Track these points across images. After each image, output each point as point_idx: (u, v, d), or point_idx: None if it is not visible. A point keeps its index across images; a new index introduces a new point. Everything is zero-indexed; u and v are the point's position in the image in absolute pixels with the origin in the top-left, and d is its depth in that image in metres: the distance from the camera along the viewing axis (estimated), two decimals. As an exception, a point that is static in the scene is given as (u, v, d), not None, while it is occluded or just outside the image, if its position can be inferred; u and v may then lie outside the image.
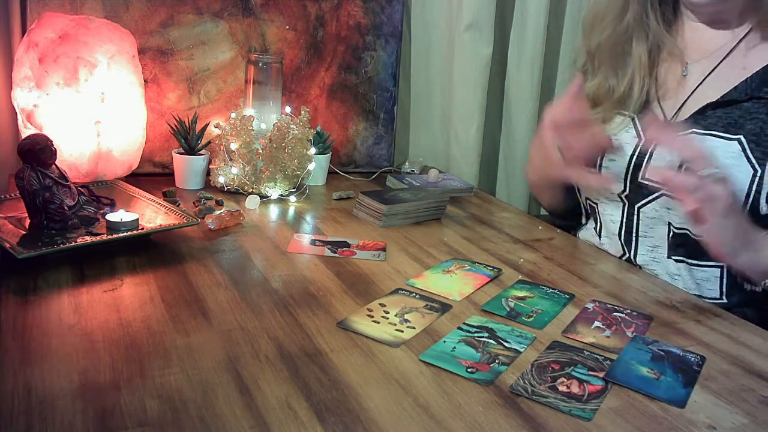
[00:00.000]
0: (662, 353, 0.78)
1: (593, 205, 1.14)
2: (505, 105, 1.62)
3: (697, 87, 1.04)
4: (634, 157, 1.05)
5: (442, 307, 0.86)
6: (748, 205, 0.94)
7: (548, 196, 1.25)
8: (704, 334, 0.84)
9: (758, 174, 0.94)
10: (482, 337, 0.79)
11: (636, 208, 1.05)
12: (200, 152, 1.31)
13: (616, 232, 1.09)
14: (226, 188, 1.28)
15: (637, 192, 1.04)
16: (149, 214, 1.03)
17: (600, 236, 1.14)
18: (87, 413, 0.59)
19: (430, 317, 0.83)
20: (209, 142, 1.32)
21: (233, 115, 1.27)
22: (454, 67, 1.55)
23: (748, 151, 0.94)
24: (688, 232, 0.99)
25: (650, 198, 1.02)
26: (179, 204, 1.11)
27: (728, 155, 0.95)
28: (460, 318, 0.83)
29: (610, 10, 1.09)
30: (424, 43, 1.60)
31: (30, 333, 0.72)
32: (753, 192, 0.94)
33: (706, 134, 0.98)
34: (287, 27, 1.42)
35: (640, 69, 1.08)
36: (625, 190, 1.05)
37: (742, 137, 0.95)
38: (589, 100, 1.14)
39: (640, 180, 1.03)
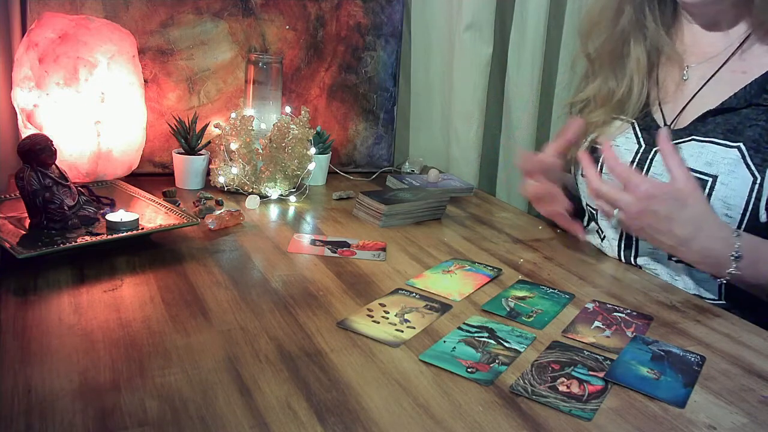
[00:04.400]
0: (662, 353, 0.78)
1: (593, 211, 1.14)
2: (505, 105, 1.62)
3: (697, 92, 1.04)
4: (634, 164, 1.04)
5: (442, 307, 0.86)
6: (748, 213, 0.94)
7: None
8: (704, 334, 0.84)
9: (758, 181, 0.94)
10: (482, 337, 0.79)
11: None
12: (200, 152, 1.31)
13: (616, 238, 1.09)
14: (226, 188, 1.28)
15: None
16: (149, 214, 1.03)
17: (601, 239, 1.14)
18: (87, 413, 0.59)
19: (430, 317, 0.83)
20: (209, 142, 1.32)
21: (233, 115, 1.27)
22: (454, 67, 1.55)
23: (748, 158, 0.94)
24: None
25: None
26: (179, 204, 1.11)
27: (727, 162, 0.95)
28: (460, 318, 0.83)
29: (605, 15, 1.10)
30: (424, 43, 1.60)
31: (30, 333, 0.72)
32: (752, 199, 0.94)
33: (706, 141, 0.98)
34: (287, 27, 1.42)
35: (639, 71, 1.08)
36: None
37: (741, 144, 0.95)
38: (589, 103, 1.15)
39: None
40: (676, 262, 1.02)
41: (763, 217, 0.94)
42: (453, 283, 0.94)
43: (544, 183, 1.10)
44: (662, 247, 0.97)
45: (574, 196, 1.19)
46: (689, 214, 0.90)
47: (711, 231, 0.91)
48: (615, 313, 0.88)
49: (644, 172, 1.03)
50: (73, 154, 1.16)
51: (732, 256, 0.90)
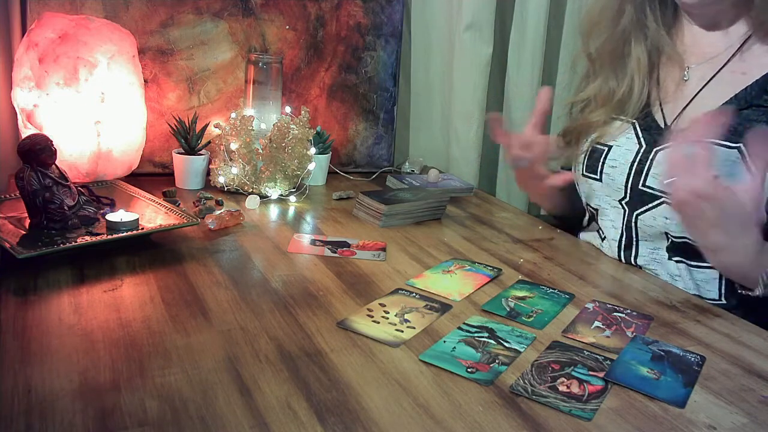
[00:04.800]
0: (662, 353, 0.78)
1: (593, 211, 1.14)
2: (505, 105, 1.62)
3: (697, 93, 1.04)
4: (635, 164, 1.04)
5: (442, 307, 0.86)
6: None
7: (547, 204, 1.27)
8: (704, 334, 0.84)
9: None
10: (482, 337, 0.79)
11: (635, 216, 1.04)
12: (200, 152, 1.31)
13: (616, 239, 1.09)
14: (226, 188, 1.28)
15: (637, 199, 1.04)
16: (149, 214, 1.03)
17: (602, 240, 1.13)
18: (87, 413, 0.59)
19: (430, 317, 0.83)
20: (209, 142, 1.32)
21: (233, 115, 1.27)
22: (454, 67, 1.55)
23: (748, 159, 0.94)
24: (687, 240, 0.99)
25: (650, 206, 1.02)
26: (179, 204, 1.11)
27: (728, 163, 0.95)
28: (460, 318, 0.83)
29: (605, 14, 1.10)
30: (424, 43, 1.60)
31: (30, 333, 0.72)
32: None
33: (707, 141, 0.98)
34: (287, 27, 1.42)
35: (640, 71, 1.08)
36: (625, 197, 1.05)
37: (742, 145, 0.95)
38: (590, 102, 1.15)
39: (640, 187, 1.03)
40: (677, 262, 1.02)
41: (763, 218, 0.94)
42: (453, 283, 0.94)
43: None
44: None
45: (571, 197, 1.19)
46: (731, 226, 0.85)
47: (746, 247, 0.87)
48: (615, 313, 0.88)
49: (644, 172, 1.03)
50: (73, 154, 1.16)
51: (763, 277, 0.88)
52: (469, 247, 1.10)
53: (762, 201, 0.86)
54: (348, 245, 1.05)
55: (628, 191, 1.05)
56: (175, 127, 1.29)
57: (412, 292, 0.90)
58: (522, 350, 0.76)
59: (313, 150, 1.31)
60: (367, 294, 0.88)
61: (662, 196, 1.00)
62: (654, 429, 0.64)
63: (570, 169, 1.24)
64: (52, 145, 0.95)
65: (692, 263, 1.01)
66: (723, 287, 0.99)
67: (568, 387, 0.69)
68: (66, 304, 0.79)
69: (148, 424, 0.58)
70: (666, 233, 1.01)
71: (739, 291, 0.95)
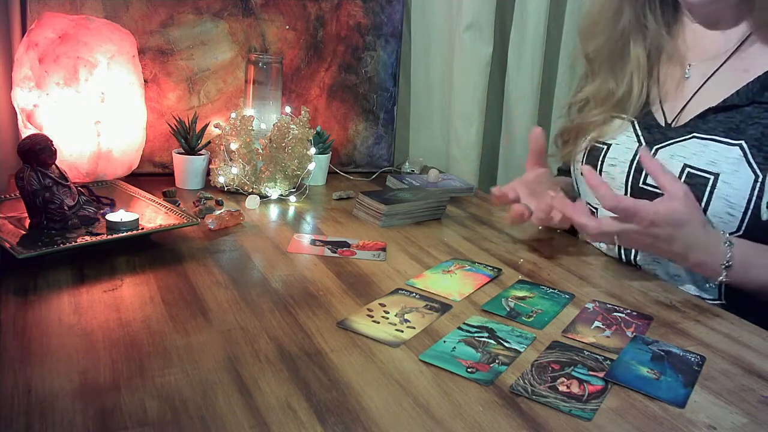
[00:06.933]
0: (662, 353, 0.78)
1: (593, 209, 1.13)
2: (505, 105, 1.62)
3: (698, 90, 1.04)
4: (635, 162, 1.04)
5: (442, 307, 0.86)
6: (749, 211, 0.94)
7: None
8: (704, 334, 0.84)
9: (759, 180, 0.93)
10: (482, 337, 0.79)
11: None
12: (200, 152, 1.31)
13: None
14: (226, 188, 1.28)
15: (637, 197, 1.03)
16: (149, 214, 1.03)
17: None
18: (87, 413, 0.59)
19: (430, 317, 0.83)
20: (209, 142, 1.32)
21: (233, 115, 1.27)
22: (454, 67, 1.55)
23: (750, 157, 0.94)
24: None
25: None
26: (179, 204, 1.11)
27: (729, 161, 0.95)
28: (460, 318, 0.83)
29: (604, 15, 1.10)
30: (424, 43, 1.60)
31: (30, 333, 0.72)
32: (754, 198, 0.94)
33: (708, 139, 0.98)
34: (287, 27, 1.42)
35: (639, 71, 1.08)
36: (625, 195, 1.05)
37: (743, 142, 0.95)
38: (588, 102, 1.15)
39: (641, 185, 1.03)
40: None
41: (764, 215, 0.94)
42: (453, 283, 0.94)
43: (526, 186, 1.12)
44: (662, 257, 1.00)
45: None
46: (686, 232, 0.92)
47: (706, 246, 0.93)
48: (615, 313, 0.88)
49: (645, 171, 1.02)
50: (73, 154, 1.16)
51: (722, 265, 0.92)
52: (469, 247, 1.10)
53: (689, 195, 0.92)
54: (348, 245, 1.05)
55: (629, 190, 1.05)
56: (175, 127, 1.29)
57: (412, 292, 0.90)
58: (522, 350, 0.76)
59: (313, 150, 1.31)
60: (367, 294, 0.88)
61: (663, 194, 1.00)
62: (654, 429, 0.64)
63: (567, 170, 1.24)
64: (52, 145, 0.95)
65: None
66: (723, 287, 0.99)
67: (568, 387, 0.69)
68: (66, 304, 0.79)
69: (148, 424, 0.58)
70: None
71: (707, 284, 0.98)
